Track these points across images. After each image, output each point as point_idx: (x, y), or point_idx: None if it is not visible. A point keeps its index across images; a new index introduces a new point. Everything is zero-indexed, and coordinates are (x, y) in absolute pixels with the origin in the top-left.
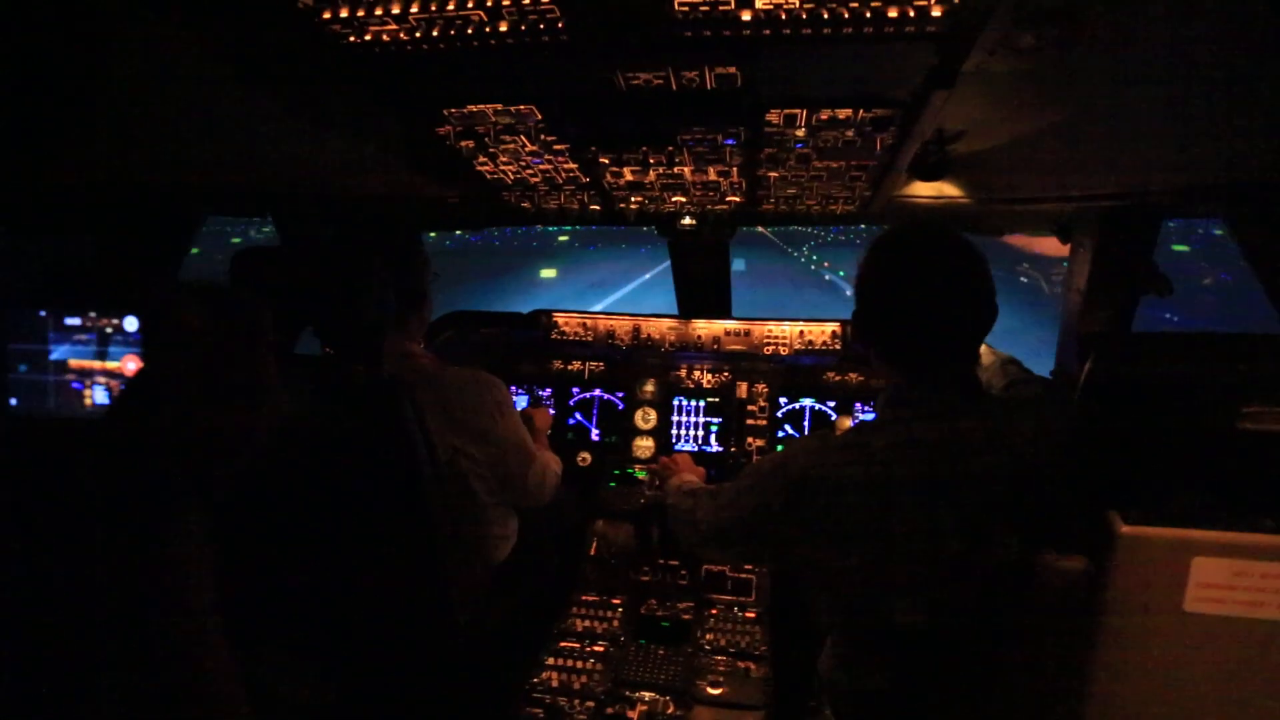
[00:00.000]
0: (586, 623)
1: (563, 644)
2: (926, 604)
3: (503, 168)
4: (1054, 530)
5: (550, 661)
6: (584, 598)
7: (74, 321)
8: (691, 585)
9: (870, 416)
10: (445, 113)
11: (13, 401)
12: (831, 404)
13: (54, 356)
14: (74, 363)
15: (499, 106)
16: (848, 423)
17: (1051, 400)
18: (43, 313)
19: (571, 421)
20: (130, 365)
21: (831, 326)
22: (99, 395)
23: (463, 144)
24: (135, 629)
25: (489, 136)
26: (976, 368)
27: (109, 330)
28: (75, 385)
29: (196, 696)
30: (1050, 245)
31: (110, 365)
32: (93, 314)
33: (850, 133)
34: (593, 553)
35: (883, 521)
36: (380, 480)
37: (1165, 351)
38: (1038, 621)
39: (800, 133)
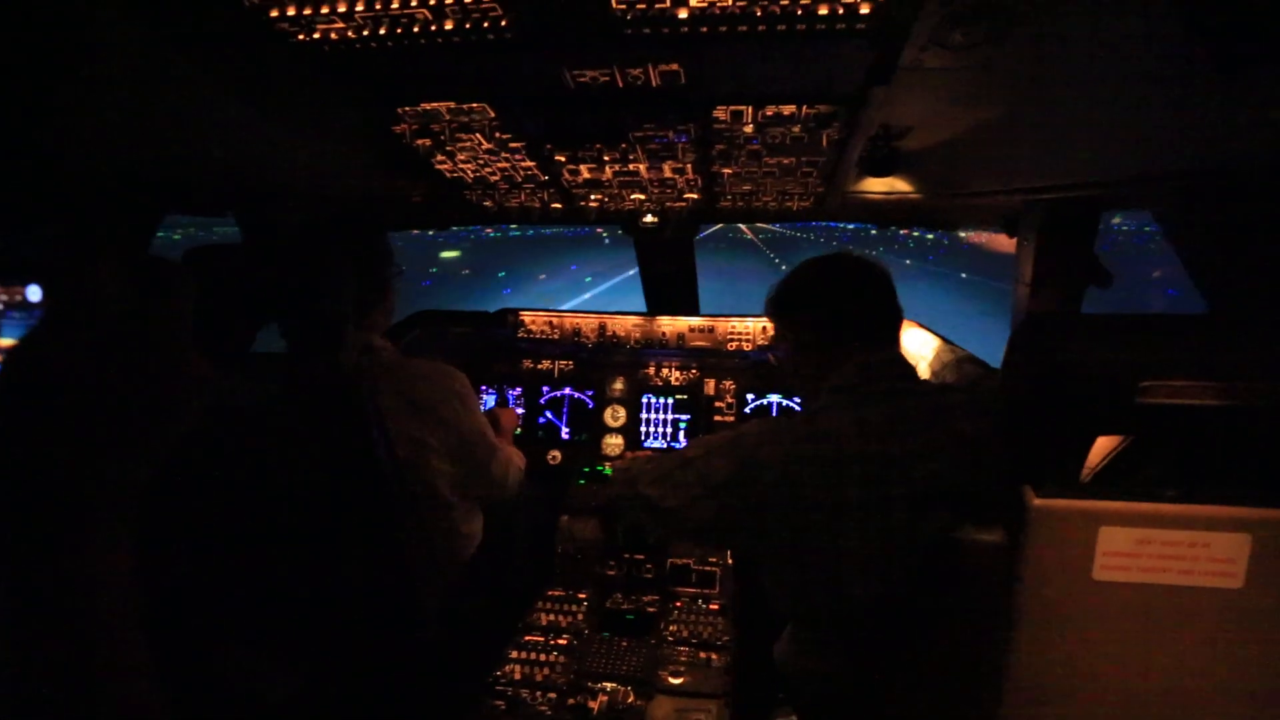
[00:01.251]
0: (552, 617)
1: (527, 638)
2: (878, 578)
3: (461, 166)
4: (980, 505)
5: (514, 655)
6: (551, 592)
7: None
8: (656, 579)
9: None
10: (400, 111)
11: None
12: (798, 400)
13: None
14: None
15: (452, 105)
16: None
17: (987, 383)
18: None
19: (542, 420)
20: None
21: None
22: None
23: (419, 142)
24: (32, 644)
25: (445, 135)
26: (926, 360)
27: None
28: None
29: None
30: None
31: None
32: None
33: (797, 129)
34: (560, 549)
35: (835, 495)
36: (339, 475)
37: (1083, 333)
38: (961, 594)
39: (749, 129)
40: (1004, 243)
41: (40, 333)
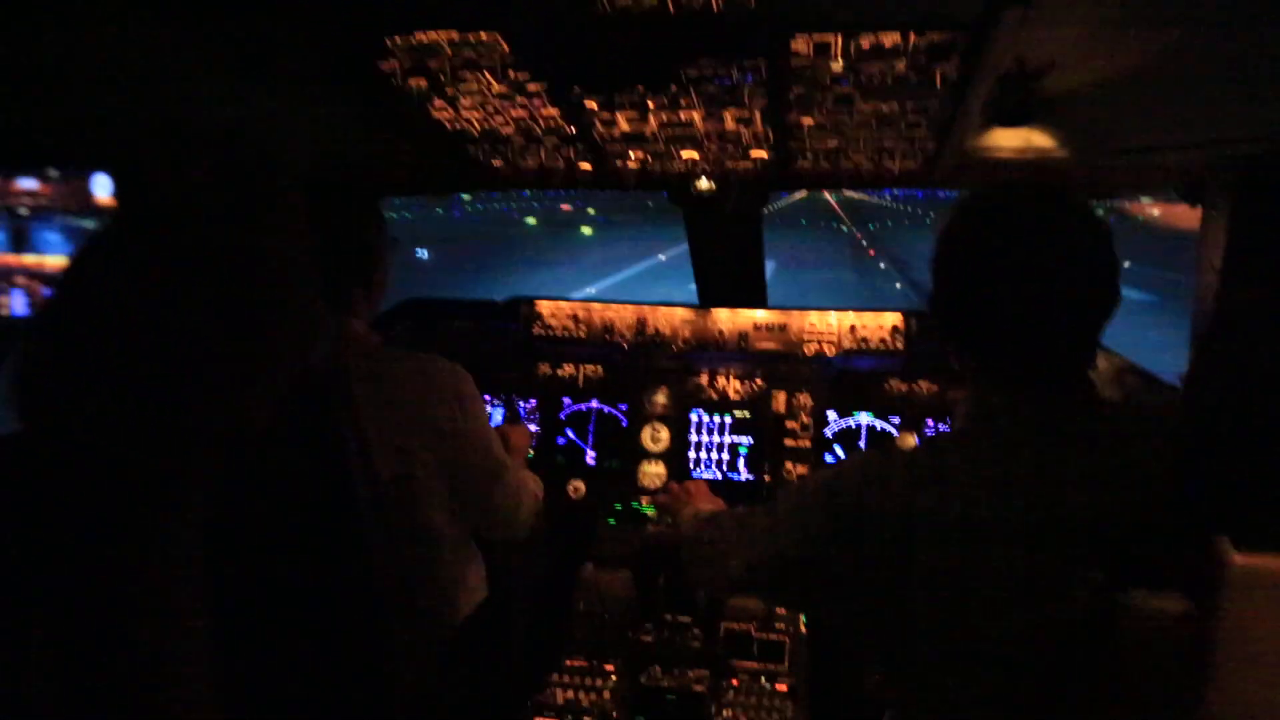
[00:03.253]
0: (570, 694)
1: None
2: (1015, 663)
3: (466, 114)
4: (1144, 561)
5: None
6: (570, 663)
7: None
8: (706, 648)
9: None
10: (388, 42)
11: None
12: (895, 420)
13: None
14: None
15: (455, 35)
16: (913, 442)
17: (1154, 399)
18: None
19: (562, 441)
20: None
21: (892, 319)
22: (17, 303)
23: (413, 83)
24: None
25: (445, 74)
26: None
27: (24, 208)
28: None
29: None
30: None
31: (30, 260)
32: (52, 173)
33: (902, 65)
34: (581, 607)
35: (958, 569)
36: (300, 509)
37: None
38: (1128, 678)
39: (837, 66)
40: (1174, 216)
41: (104, 239)
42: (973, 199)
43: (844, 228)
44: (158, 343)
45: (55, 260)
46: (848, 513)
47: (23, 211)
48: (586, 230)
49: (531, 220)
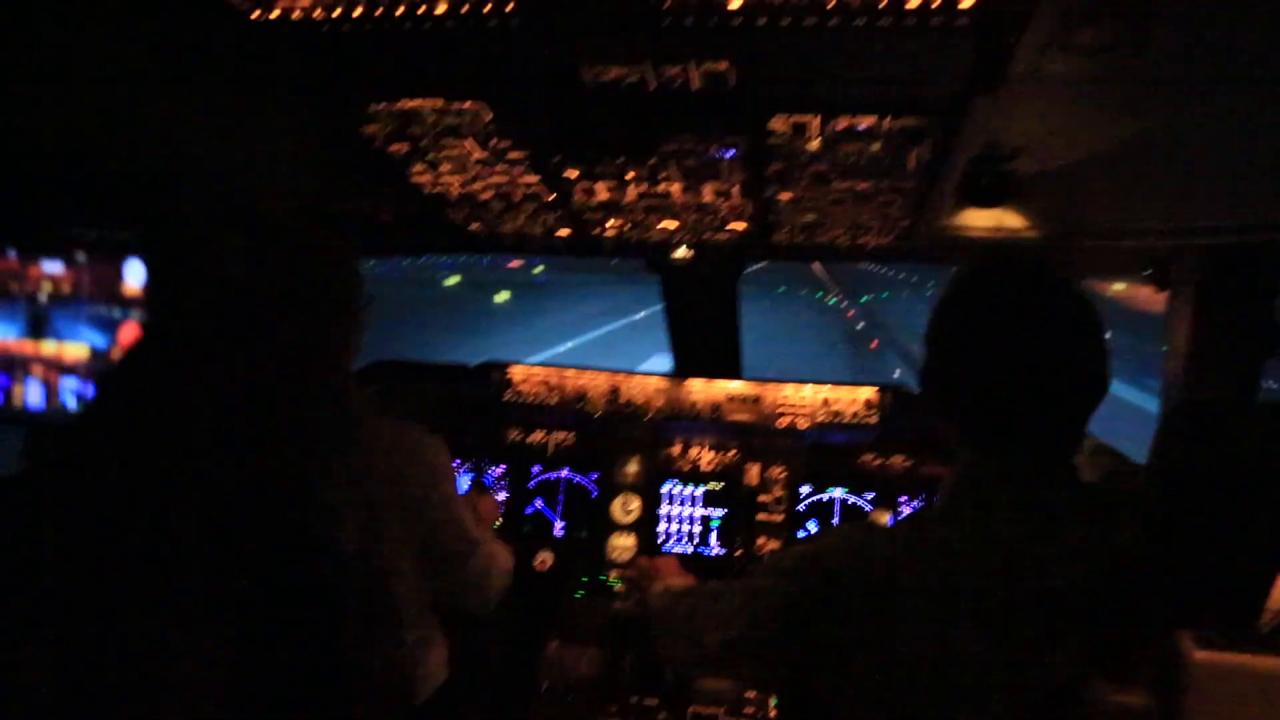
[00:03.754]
0: None
1: None
2: None
3: (445, 179)
4: (1106, 652)
5: None
6: None
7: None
8: None
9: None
10: (372, 109)
11: None
12: (869, 495)
13: None
14: None
15: (439, 103)
16: (885, 520)
17: (1124, 481)
18: (13, 253)
19: (529, 510)
20: (96, 344)
21: (866, 393)
22: (32, 393)
23: (394, 148)
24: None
25: (427, 139)
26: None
27: (45, 294)
28: None
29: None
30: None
31: (49, 348)
32: (79, 257)
33: (876, 146)
34: (545, 687)
35: (938, 644)
36: (258, 577)
37: (1263, 425)
38: None
39: (814, 144)
40: (1144, 297)
41: (149, 336)
42: (971, 272)
43: (830, 299)
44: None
45: (75, 349)
46: (830, 582)
47: (42, 298)
48: (501, 296)
49: (452, 280)
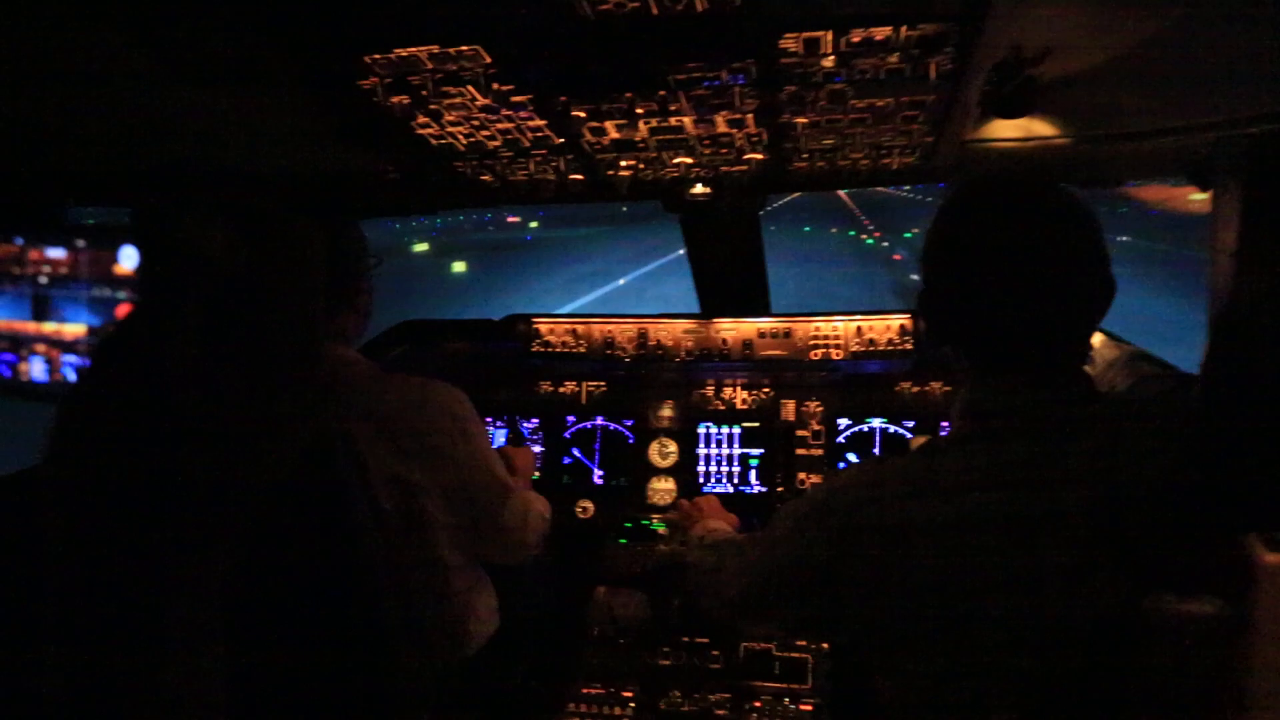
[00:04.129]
0: None
1: None
2: (1022, 684)
3: (450, 130)
4: (1171, 564)
5: None
6: (584, 690)
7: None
8: (726, 669)
9: None
10: (368, 60)
11: None
12: (909, 424)
13: None
14: (2, 324)
15: (435, 49)
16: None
17: (1182, 399)
18: (19, 240)
19: (567, 460)
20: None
21: (899, 320)
22: (36, 369)
23: (394, 100)
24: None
25: (427, 89)
26: (1088, 364)
27: (44, 276)
28: (4, 356)
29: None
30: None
31: (50, 328)
32: (80, 243)
33: (895, 58)
34: (595, 631)
35: (961, 576)
36: (297, 537)
37: None
38: (1158, 684)
39: (829, 63)
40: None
41: (140, 312)
42: (958, 194)
43: (867, 238)
44: (190, 403)
45: (74, 328)
46: (844, 530)
47: (43, 280)
48: (458, 266)
49: (421, 246)
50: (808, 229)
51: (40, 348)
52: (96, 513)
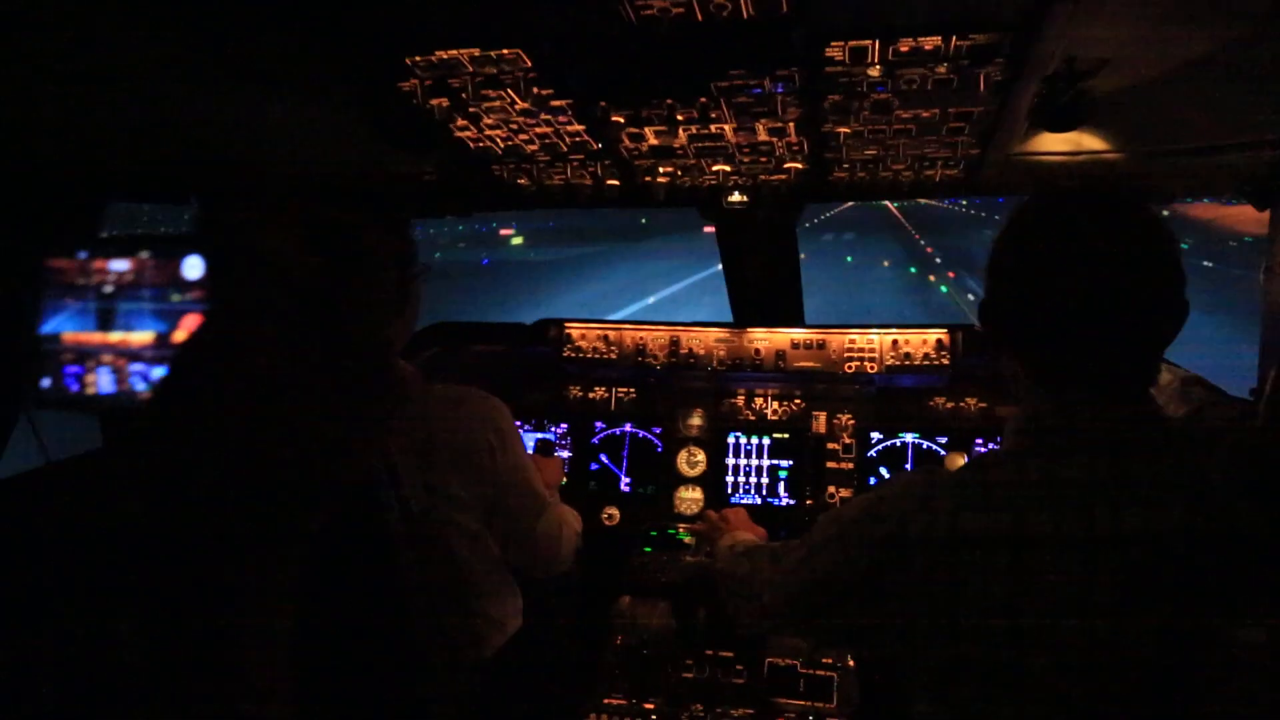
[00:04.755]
0: None
1: None
2: (1069, 712)
3: (489, 133)
4: (1241, 590)
5: None
6: (606, 701)
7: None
8: (750, 685)
9: None
10: (409, 62)
11: None
12: (942, 440)
13: (43, 330)
14: (68, 336)
15: (476, 52)
16: (962, 463)
17: (1246, 424)
18: (83, 254)
19: (595, 467)
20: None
21: (936, 335)
22: (103, 380)
23: (434, 102)
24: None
25: (467, 91)
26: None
27: (109, 285)
28: (70, 370)
29: None
30: (1244, 216)
31: (115, 337)
32: (144, 254)
33: (943, 69)
34: (618, 642)
35: (1011, 595)
36: (327, 539)
37: None
38: (1215, 713)
39: (874, 72)
40: (1236, 218)
41: (214, 321)
42: (1033, 202)
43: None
44: (270, 412)
45: (140, 336)
46: (891, 539)
47: (108, 290)
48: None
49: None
50: (850, 258)
51: (107, 358)
52: (171, 524)
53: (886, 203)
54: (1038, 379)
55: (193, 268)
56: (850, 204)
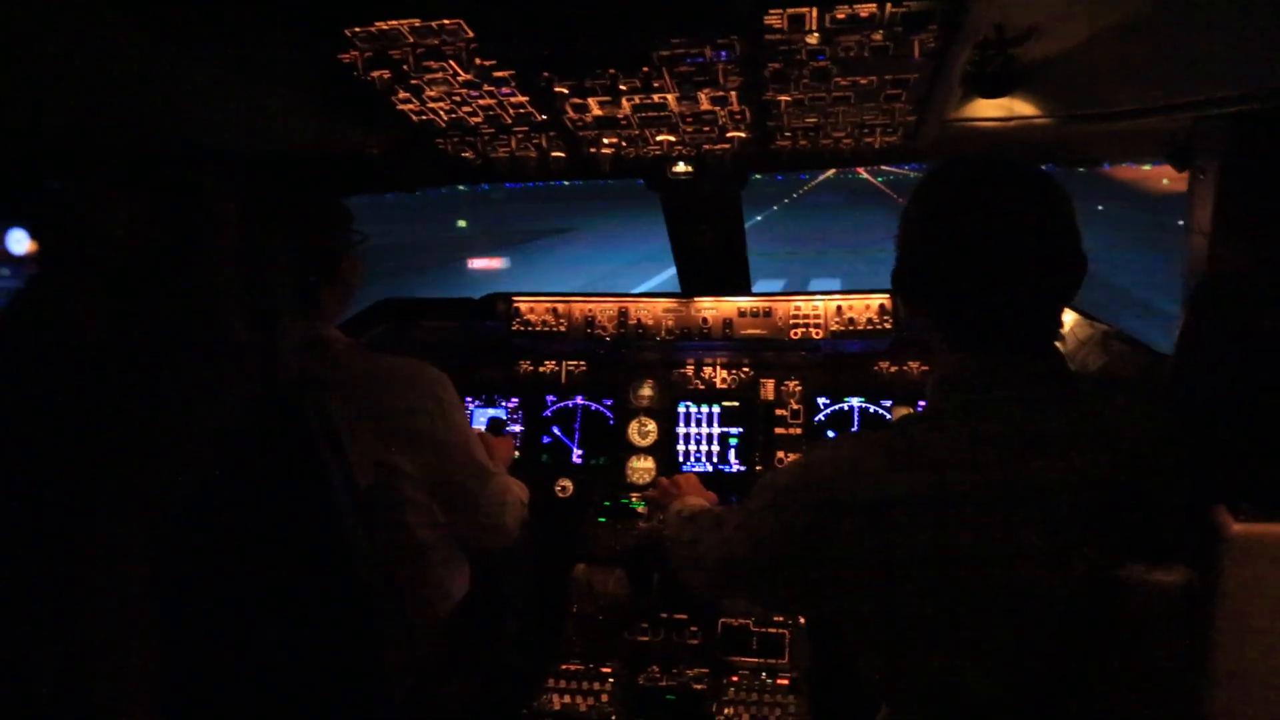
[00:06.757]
0: (568, 699)
1: None
2: (1005, 656)
3: (432, 105)
4: (1141, 535)
5: None
6: (564, 667)
7: None
8: (705, 645)
9: None
10: (348, 33)
11: None
12: (887, 403)
13: None
14: None
15: (416, 22)
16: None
17: (1157, 377)
18: None
19: (547, 440)
20: None
21: (879, 299)
22: None
23: (375, 75)
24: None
25: (408, 63)
26: (1060, 342)
27: None
28: None
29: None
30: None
31: None
32: None
33: (879, 35)
34: (574, 608)
35: (939, 550)
36: (281, 516)
37: None
38: (1129, 651)
39: (813, 39)
40: (1159, 178)
41: (31, 289)
42: (935, 172)
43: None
44: (91, 375)
45: None
46: (823, 504)
47: None
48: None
49: None
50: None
51: None
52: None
53: (866, 175)
54: (950, 340)
55: (17, 242)
56: (833, 172)
